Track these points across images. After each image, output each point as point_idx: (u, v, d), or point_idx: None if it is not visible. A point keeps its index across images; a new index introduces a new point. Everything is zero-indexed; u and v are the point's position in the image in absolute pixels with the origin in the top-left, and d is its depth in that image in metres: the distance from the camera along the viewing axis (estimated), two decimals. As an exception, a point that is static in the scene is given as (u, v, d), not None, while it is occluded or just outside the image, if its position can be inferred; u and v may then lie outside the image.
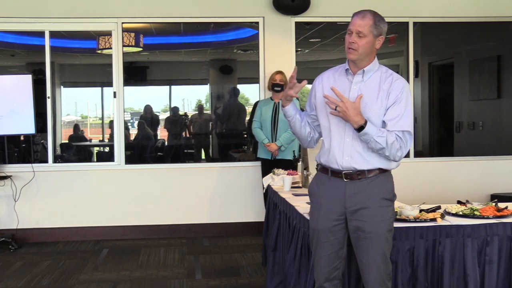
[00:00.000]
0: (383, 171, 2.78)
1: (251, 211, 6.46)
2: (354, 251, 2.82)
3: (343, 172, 2.75)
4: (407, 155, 6.60)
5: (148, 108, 9.34)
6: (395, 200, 2.86)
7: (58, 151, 8.64)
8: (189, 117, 9.74)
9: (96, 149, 9.82)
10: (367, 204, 2.73)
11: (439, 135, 8.97)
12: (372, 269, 2.73)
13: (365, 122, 2.65)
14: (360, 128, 2.65)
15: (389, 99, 2.71)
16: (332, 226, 2.79)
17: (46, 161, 6.48)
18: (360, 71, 2.77)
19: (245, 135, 8.77)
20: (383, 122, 2.73)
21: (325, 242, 2.81)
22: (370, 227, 2.71)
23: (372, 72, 2.77)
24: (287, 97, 2.82)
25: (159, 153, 9.17)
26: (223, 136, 9.30)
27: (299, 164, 5.07)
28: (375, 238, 2.71)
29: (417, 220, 3.06)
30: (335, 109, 2.69)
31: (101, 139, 10.55)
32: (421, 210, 3.18)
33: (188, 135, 9.60)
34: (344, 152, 2.75)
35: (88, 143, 9.87)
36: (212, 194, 6.46)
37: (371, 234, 2.71)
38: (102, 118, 10.79)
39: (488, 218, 3.10)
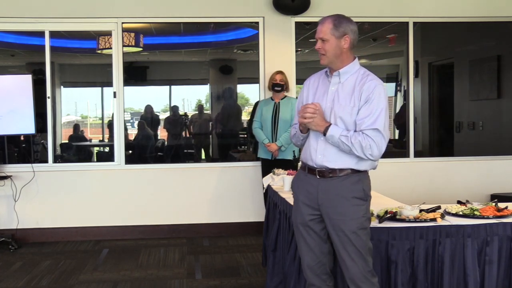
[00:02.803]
0: (355, 171, 2.82)
1: (251, 211, 6.46)
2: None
3: (317, 169, 2.85)
4: (407, 155, 6.61)
5: (148, 108, 9.35)
6: (368, 200, 2.86)
7: (58, 151, 8.65)
8: (189, 117, 9.75)
9: (96, 149, 9.82)
10: (337, 203, 2.79)
11: (439, 135, 8.97)
12: (349, 266, 2.79)
13: (328, 127, 2.77)
14: (325, 133, 2.79)
15: (361, 99, 2.78)
16: (309, 220, 2.89)
17: (46, 161, 6.47)
18: (336, 72, 2.87)
19: (244, 135, 8.78)
20: (355, 123, 2.79)
21: (305, 236, 2.92)
22: (340, 225, 2.78)
23: (349, 74, 2.86)
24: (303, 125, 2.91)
25: (159, 153, 9.18)
26: (223, 136, 9.31)
27: (299, 164, 5.06)
28: (346, 236, 2.77)
29: (417, 220, 3.06)
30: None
31: (101, 139, 10.56)
32: (421, 210, 3.18)
33: (188, 135, 9.60)
34: (318, 150, 2.85)
35: (88, 143, 9.87)
36: (212, 194, 6.46)
37: (342, 232, 2.78)
38: (102, 118, 10.79)
39: (488, 218, 3.11)
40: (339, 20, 2.84)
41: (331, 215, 2.80)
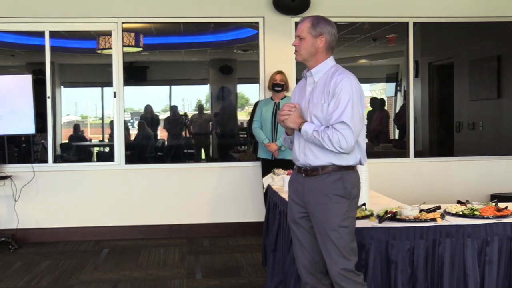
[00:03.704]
0: (338, 168, 2.84)
1: (251, 211, 6.46)
2: None
3: (302, 168, 2.92)
4: (407, 155, 6.61)
5: (148, 108, 9.34)
6: (352, 198, 2.84)
7: (58, 151, 8.65)
8: (189, 117, 9.75)
9: (96, 149, 9.83)
10: (320, 200, 2.83)
11: (439, 135, 8.97)
12: (329, 263, 2.82)
13: (302, 124, 2.85)
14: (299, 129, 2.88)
15: (330, 95, 2.83)
16: (298, 218, 2.96)
17: (46, 161, 6.47)
18: (309, 72, 2.96)
19: (244, 135, 8.78)
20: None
21: (297, 233, 2.98)
22: (322, 222, 2.82)
23: (321, 73, 2.93)
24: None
25: (159, 153, 9.18)
26: (223, 136, 9.31)
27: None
28: (327, 233, 2.80)
29: (417, 220, 3.06)
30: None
31: (101, 139, 10.56)
32: (421, 210, 3.18)
33: (188, 135, 9.60)
34: (300, 149, 2.92)
35: (88, 143, 9.87)
36: (212, 194, 6.46)
37: (323, 230, 2.81)
38: (102, 118, 10.79)
39: (488, 218, 3.11)
40: (317, 20, 2.92)
41: (314, 213, 2.85)
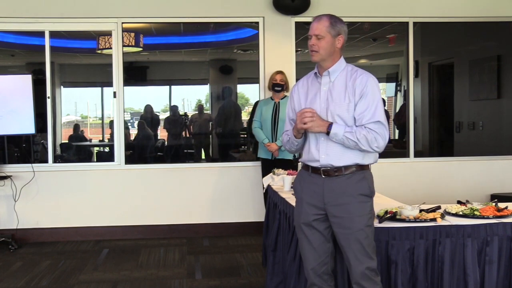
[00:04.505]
0: (360, 168, 2.85)
1: (251, 211, 6.46)
2: (339, 245, 2.88)
3: (321, 169, 2.87)
4: (407, 155, 6.61)
5: (148, 108, 9.34)
6: (373, 196, 2.90)
7: (58, 151, 8.65)
8: (189, 117, 9.75)
9: (96, 149, 9.83)
10: (345, 200, 2.81)
11: (439, 135, 8.97)
12: (353, 263, 2.80)
13: (329, 126, 2.79)
14: (328, 132, 2.80)
15: (356, 95, 2.82)
16: (312, 220, 2.90)
17: (46, 161, 6.47)
18: (325, 72, 2.90)
19: (244, 135, 8.78)
20: (354, 118, 2.83)
21: (308, 235, 2.92)
22: (348, 222, 2.79)
23: (338, 72, 2.90)
24: (300, 130, 2.90)
25: (159, 153, 9.18)
26: (223, 136, 9.30)
27: (299, 164, 5.06)
28: (353, 233, 2.78)
29: (417, 220, 3.06)
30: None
31: (101, 139, 10.56)
32: (421, 210, 3.18)
33: (188, 135, 9.60)
34: (320, 150, 2.87)
35: (88, 143, 9.87)
36: (212, 194, 6.46)
37: (349, 230, 2.79)
38: (102, 118, 10.79)
39: (488, 218, 3.11)
40: (335, 19, 2.90)
41: (338, 213, 2.81)
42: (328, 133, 2.80)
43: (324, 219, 2.88)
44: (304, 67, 7.34)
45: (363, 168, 2.86)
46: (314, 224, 2.90)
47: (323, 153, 2.86)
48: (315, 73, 2.97)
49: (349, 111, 2.81)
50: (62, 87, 10.10)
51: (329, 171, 2.85)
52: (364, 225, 2.79)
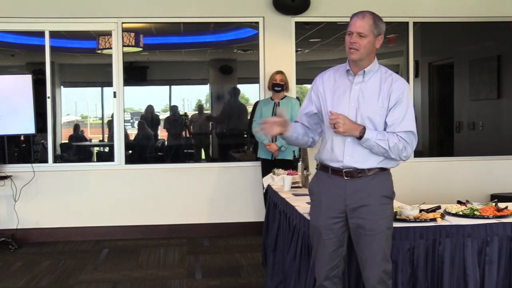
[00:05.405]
0: (383, 170, 2.82)
1: (251, 211, 6.46)
2: (355, 248, 2.84)
3: (344, 170, 2.80)
4: (407, 155, 6.60)
5: (149, 108, 9.34)
6: (394, 198, 2.89)
7: (58, 151, 8.64)
8: (189, 117, 9.74)
9: (96, 149, 9.82)
10: (368, 202, 2.76)
11: (439, 135, 8.97)
12: (371, 266, 2.76)
13: (363, 130, 2.71)
14: (360, 137, 2.72)
15: (390, 100, 2.76)
16: (332, 224, 2.83)
17: (46, 161, 6.48)
18: (361, 71, 2.81)
19: (245, 135, 8.76)
20: (386, 123, 2.77)
21: (325, 239, 2.85)
22: (370, 224, 2.75)
23: (372, 72, 2.82)
24: (283, 131, 2.86)
25: (159, 153, 9.17)
26: (223, 136, 9.30)
27: (299, 164, 5.07)
28: (375, 235, 2.74)
29: (417, 220, 3.06)
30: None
31: (101, 139, 10.55)
32: (421, 210, 3.18)
33: (188, 135, 9.59)
34: (345, 151, 2.80)
35: (88, 143, 9.86)
36: (212, 194, 6.46)
37: (371, 232, 2.75)
38: (102, 118, 10.78)
39: (488, 218, 3.10)
40: (378, 18, 2.78)
41: (361, 215, 2.76)
42: (360, 137, 2.72)
43: (343, 223, 2.83)
44: (304, 67, 7.34)
45: (385, 170, 2.83)
46: (333, 227, 2.83)
47: (347, 154, 2.79)
48: (348, 70, 2.84)
49: (381, 115, 2.76)
50: (62, 87, 10.09)
51: (352, 173, 2.79)
52: (386, 227, 2.77)
